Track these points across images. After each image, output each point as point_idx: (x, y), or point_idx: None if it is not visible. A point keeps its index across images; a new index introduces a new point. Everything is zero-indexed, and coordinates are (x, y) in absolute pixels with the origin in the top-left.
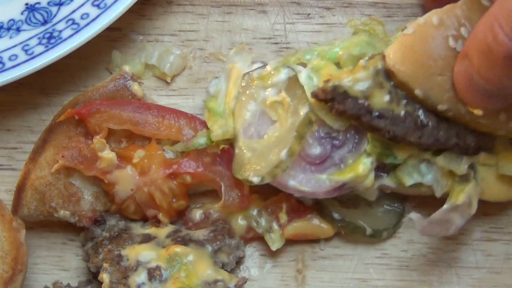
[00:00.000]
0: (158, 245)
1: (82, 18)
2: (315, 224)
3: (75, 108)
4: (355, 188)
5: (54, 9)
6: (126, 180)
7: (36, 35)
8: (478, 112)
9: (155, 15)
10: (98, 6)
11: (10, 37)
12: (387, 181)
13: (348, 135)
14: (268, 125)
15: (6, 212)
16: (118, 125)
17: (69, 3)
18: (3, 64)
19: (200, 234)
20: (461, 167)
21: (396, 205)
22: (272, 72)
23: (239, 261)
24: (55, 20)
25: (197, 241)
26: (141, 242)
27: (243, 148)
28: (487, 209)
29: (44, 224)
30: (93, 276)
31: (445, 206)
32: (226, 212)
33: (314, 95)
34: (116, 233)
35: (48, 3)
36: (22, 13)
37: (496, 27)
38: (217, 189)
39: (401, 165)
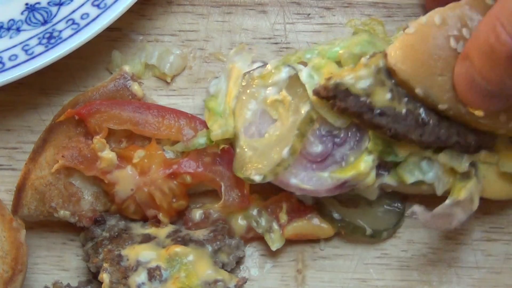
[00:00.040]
0: (158, 245)
1: (82, 18)
2: (315, 224)
3: (75, 108)
4: (357, 186)
5: (54, 9)
6: (126, 180)
7: (36, 35)
8: (479, 113)
9: (155, 15)
10: (98, 6)
11: (10, 37)
12: (388, 179)
13: (349, 133)
14: (269, 124)
15: (6, 212)
16: (118, 125)
17: (69, 3)
18: (3, 64)
19: (200, 234)
20: (463, 164)
21: (396, 205)
22: (272, 71)
23: (239, 261)
24: (55, 20)
25: (197, 241)
26: (141, 242)
27: (244, 147)
28: (488, 209)
29: (44, 224)
30: (93, 276)
31: (447, 201)
32: (226, 212)
33: (316, 92)
34: (116, 233)
35: (48, 3)
36: (22, 13)
37: (498, 27)
38: (217, 189)
39: (402, 163)
